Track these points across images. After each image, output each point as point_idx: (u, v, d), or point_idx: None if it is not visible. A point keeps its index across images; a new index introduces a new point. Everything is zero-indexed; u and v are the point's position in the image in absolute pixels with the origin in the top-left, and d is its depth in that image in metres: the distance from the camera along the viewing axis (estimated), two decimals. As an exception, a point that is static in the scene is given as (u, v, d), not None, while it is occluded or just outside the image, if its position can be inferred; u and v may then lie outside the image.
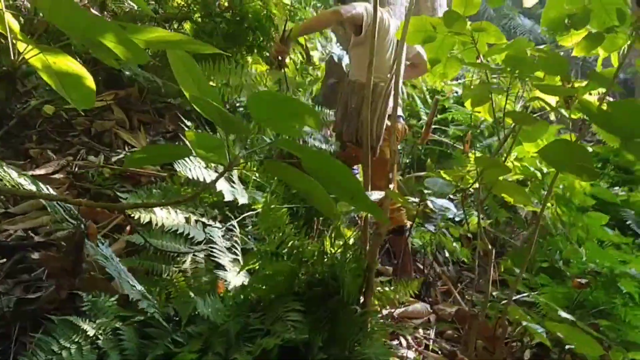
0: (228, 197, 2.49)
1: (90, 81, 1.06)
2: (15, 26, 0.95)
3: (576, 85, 2.30)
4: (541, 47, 2.67)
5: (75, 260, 1.59)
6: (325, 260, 1.89)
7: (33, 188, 1.68)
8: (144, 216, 2.27)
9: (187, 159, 2.46)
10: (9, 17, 0.92)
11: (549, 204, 3.24)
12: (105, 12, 4.43)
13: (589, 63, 9.80)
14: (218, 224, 2.49)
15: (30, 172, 2.54)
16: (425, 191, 2.30)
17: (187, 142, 1.55)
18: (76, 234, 1.60)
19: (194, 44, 1.07)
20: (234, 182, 2.63)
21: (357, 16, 3.04)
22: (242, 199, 2.55)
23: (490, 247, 2.18)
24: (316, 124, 1.04)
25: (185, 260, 2.26)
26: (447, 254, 3.56)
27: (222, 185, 2.51)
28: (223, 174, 1.25)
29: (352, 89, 3.07)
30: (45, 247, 2.10)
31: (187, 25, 4.24)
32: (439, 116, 5.09)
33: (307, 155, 1.10)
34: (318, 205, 1.09)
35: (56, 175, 2.68)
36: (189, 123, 2.83)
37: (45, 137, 2.95)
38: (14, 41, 0.99)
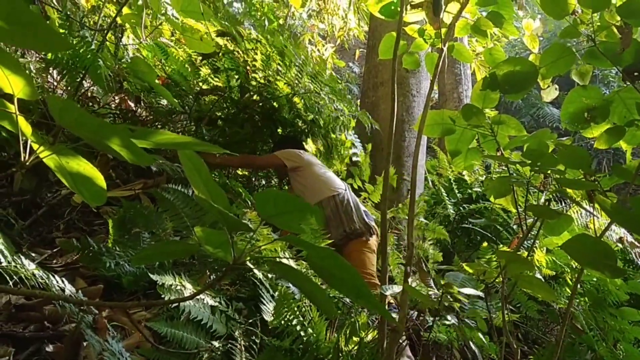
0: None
1: (101, 180, 1.10)
2: (28, 128, 0.99)
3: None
4: (563, 139, 2.66)
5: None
6: (341, 358, 1.82)
7: (48, 281, 1.69)
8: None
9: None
10: (21, 120, 0.97)
11: (581, 300, 3.11)
12: (142, 104, 4.65)
13: (620, 152, 9.68)
14: (241, 319, 2.44)
15: (54, 261, 2.58)
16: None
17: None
18: (75, 334, 1.57)
19: (202, 145, 1.10)
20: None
21: (272, 161, 3.85)
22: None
23: (515, 345, 2.08)
24: (318, 221, 1.05)
25: (203, 357, 2.20)
26: (474, 349, 3.39)
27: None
28: (228, 272, 1.25)
29: (321, 207, 3.38)
30: (60, 340, 2.08)
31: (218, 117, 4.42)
32: (469, 207, 5.05)
33: (312, 251, 1.10)
34: (318, 305, 1.08)
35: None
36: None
37: (72, 225, 3.02)
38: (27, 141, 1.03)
